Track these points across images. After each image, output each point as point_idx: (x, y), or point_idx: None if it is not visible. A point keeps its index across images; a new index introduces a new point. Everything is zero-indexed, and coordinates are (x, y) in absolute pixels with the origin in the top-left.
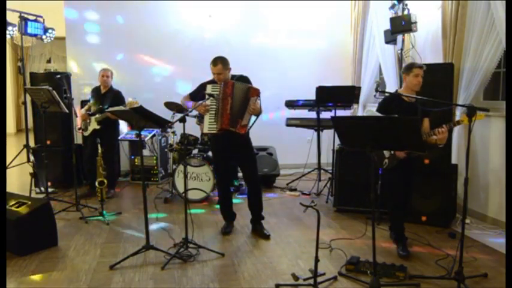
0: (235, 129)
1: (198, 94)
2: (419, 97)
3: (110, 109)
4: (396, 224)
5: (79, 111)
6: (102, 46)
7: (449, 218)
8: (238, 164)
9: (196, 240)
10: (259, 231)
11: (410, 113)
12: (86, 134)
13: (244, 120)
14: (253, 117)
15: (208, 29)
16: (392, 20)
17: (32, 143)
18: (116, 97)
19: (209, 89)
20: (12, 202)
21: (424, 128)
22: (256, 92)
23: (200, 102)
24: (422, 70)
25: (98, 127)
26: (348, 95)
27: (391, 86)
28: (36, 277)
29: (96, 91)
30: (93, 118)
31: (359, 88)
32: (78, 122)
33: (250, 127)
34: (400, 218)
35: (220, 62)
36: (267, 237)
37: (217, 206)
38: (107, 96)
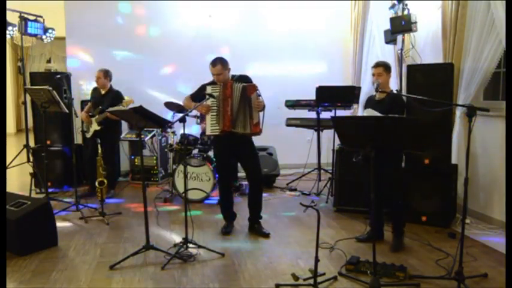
0: (250, 131)
1: (198, 95)
2: (417, 96)
3: (110, 109)
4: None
5: (80, 114)
6: (102, 46)
7: (449, 218)
8: (241, 163)
9: (196, 240)
10: (258, 231)
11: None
12: (88, 135)
13: (254, 119)
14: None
15: (208, 29)
16: (392, 20)
17: (32, 143)
18: (115, 97)
19: (209, 90)
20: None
21: None
22: (254, 89)
23: (201, 102)
24: (375, 68)
25: (98, 128)
26: (348, 95)
27: (391, 86)
28: (36, 277)
29: (96, 92)
30: (93, 119)
31: (359, 88)
32: (81, 121)
33: (262, 125)
34: (370, 207)
35: (219, 63)
36: (266, 235)
37: (218, 206)
38: (106, 96)
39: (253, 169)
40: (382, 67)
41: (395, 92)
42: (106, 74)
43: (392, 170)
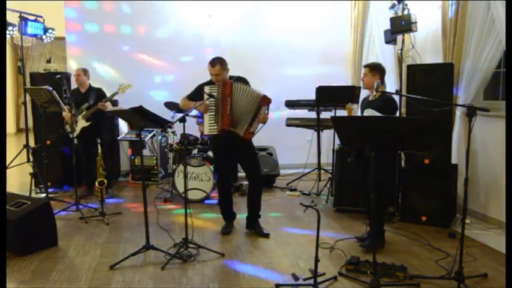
0: (242, 134)
1: (196, 96)
2: (417, 96)
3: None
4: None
5: (64, 114)
6: (102, 46)
7: (449, 218)
8: (240, 163)
9: (196, 240)
10: (258, 231)
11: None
12: (75, 135)
13: (253, 127)
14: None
15: (208, 28)
16: (392, 20)
17: (32, 143)
18: (99, 93)
19: (207, 90)
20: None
21: None
22: (268, 101)
23: (201, 102)
24: (366, 68)
25: (86, 124)
26: (348, 95)
27: (391, 86)
28: (36, 277)
29: (76, 92)
30: (80, 117)
31: (359, 88)
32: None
33: (255, 134)
34: (366, 206)
35: (218, 63)
36: (266, 235)
37: (218, 206)
38: (89, 94)
39: (252, 168)
40: (368, 68)
41: (395, 92)
42: (85, 72)
43: (380, 169)
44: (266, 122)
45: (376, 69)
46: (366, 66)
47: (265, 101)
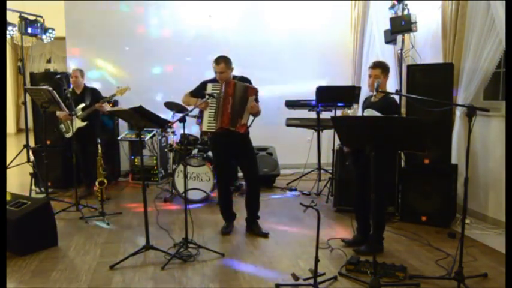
0: (235, 128)
1: (199, 92)
2: (417, 96)
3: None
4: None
5: (60, 114)
6: (102, 46)
7: (449, 218)
8: (238, 162)
9: (196, 240)
10: (257, 231)
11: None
12: (69, 135)
13: (244, 119)
14: (251, 117)
15: (208, 29)
16: (392, 20)
17: (32, 143)
18: (95, 93)
19: (210, 87)
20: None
21: None
22: (254, 91)
23: (201, 101)
24: (372, 69)
25: (83, 124)
26: (348, 95)
27: (391, 86)
28: (36, 277)
29: (71, 93)
30: (76, 116)
31: (359, 88)
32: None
33: (249, 126)
34: (355, 209)
35: (223, 61)
36: (265, 235)
37: (218, 206)
38: (84, 94)
39: (250, 168)
40: (380, 69)
41: (395, 92)
42: (82, 73)
43: (380, 170)
44: (258, 113)
45: (388, 70)
46: (377, 66)
47: (251, 91)
